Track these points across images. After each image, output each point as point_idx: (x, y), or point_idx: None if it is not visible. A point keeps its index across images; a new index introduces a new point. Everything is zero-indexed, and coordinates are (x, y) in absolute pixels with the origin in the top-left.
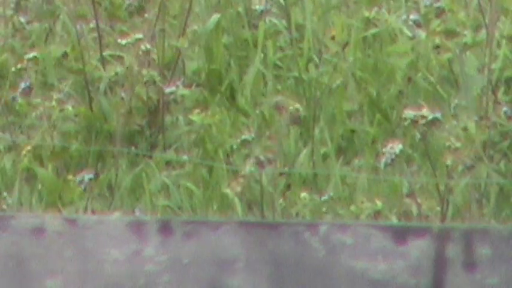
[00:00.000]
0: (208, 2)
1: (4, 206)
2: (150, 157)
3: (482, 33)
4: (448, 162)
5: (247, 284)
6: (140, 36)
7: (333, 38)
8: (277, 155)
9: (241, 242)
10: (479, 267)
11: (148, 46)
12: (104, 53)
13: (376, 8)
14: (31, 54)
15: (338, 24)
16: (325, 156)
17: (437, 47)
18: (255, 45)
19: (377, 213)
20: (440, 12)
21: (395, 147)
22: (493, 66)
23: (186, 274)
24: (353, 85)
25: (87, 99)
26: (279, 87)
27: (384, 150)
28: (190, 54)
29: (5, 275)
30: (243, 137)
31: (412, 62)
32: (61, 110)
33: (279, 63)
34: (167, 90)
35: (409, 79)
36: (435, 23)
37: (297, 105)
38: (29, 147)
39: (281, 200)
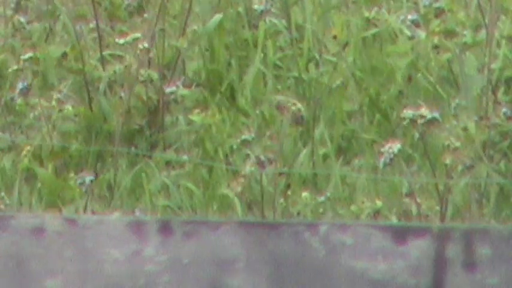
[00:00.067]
0: (208, 2)
1: (3, 206)
2: (150, 157)
3: (482, 33)
4: (448, 162)
5: (247, 284)
6: (139, 35)
7: (333, 38)
8: (277, 155)
9: (241, 242)
10: (479, 267)
11: (146, 45)
12: (104, 53)
13: (376, 8)
14: (27, 55)
15: (338, 24)
16: (325, 156)
17: (436, 47)
18: (255, 45)
19: (377, 213)
20: (440, 12)
21: (394, 147)
22: (493, 66)
23: (186, 274)
24: (353, 85)
25: (87, 99)
26: (279, 87)
27: (382, 150)
28: (190, 54)
29: (5, 275)
30: (243, 137)
31: (412, 62)
32: (61, 110)
33: (279, 63)
34: (167, 90)
35: (409, 79)
36: (435, 23)
37: (299, 105)
38: (28, 147)
39: (281, 200)
